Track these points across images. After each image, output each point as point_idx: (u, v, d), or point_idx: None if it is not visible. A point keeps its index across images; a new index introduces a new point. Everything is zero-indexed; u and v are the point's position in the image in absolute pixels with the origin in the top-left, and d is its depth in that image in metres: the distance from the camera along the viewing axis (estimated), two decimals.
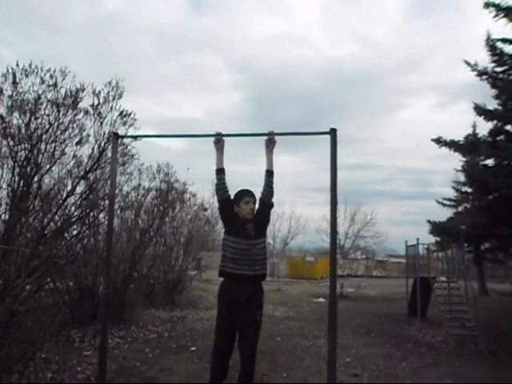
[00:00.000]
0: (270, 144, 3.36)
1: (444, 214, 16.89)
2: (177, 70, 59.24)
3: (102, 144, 5.26)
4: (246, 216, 3.29)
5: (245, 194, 3.35)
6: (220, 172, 3.37)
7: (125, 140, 5.62)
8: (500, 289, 18.61)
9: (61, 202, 5.05)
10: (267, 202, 3.36)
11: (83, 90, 4.98)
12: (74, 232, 5.80)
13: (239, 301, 3.16)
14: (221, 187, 3.35)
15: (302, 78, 57.49)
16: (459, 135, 12.35)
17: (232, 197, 3.39)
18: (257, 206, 3.37)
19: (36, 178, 4.74)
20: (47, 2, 58.00)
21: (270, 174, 3.36)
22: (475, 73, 9.73)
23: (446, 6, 58.31)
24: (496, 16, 9.07)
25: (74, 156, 5.22)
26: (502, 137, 9.63)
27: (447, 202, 16.50)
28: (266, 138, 3.36)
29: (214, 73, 59.05)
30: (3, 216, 4.63)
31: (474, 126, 11.25)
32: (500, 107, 9.59)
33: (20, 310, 3.70)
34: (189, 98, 60.86)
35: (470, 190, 13.45)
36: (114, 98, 5.31)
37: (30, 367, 3.91)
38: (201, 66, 56.92)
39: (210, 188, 15.36)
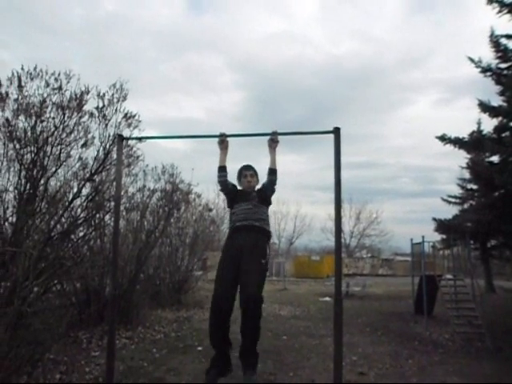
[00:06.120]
0: (273, 143, 3.39)
1: (449, 212, 16.83)
2: (178, 70, 59.37)
3: (107, 146, 5.29)
4: (246, 189, 3.61)
5: (243, 169, 3.68)
6: (221, 169, 3.54)
7: (130, 142, 5.66)
8: (507, 286, 18.51)
9: (67, 204, 5.09)
10: (267, 193, 3.57)
11: (88, 92, 5.01)
12: (81, 234, 5.83)
13: (243, 246, 3.17)
14: (222, 181, 3.56)
15: (303, 77, 57.54)
16: (463, 131, 12.31)
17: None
18: (258, 185, 3.73)
19: (42, 181, 4.78)
20: (44, 4, 58.17)
21: (272, 172, 3.47)
22: (479, 69, 9.69)
23: (448, 0, 57.97)
24: (500, 12, 9.01)
25: (80, 158, 5.26)
26: (507, 133, 9.57)
27: (452, 200, 16.42)
28: (268, 137, 3.38)
29: (215, 72, 59.20)
30: (10, 219, 4.68)
31: (479, 123, 11.16)
32: (505, 104, 9.54)
33: (28, 312, 3.73)
34: (190, 99, 61.03)
35: (475, 187, 13.37)
36: (118, 100, 5.34)
37: (39, 368, 3.95)
38: (202, 66, 57.10)
39: (215, 188, 15.41)
